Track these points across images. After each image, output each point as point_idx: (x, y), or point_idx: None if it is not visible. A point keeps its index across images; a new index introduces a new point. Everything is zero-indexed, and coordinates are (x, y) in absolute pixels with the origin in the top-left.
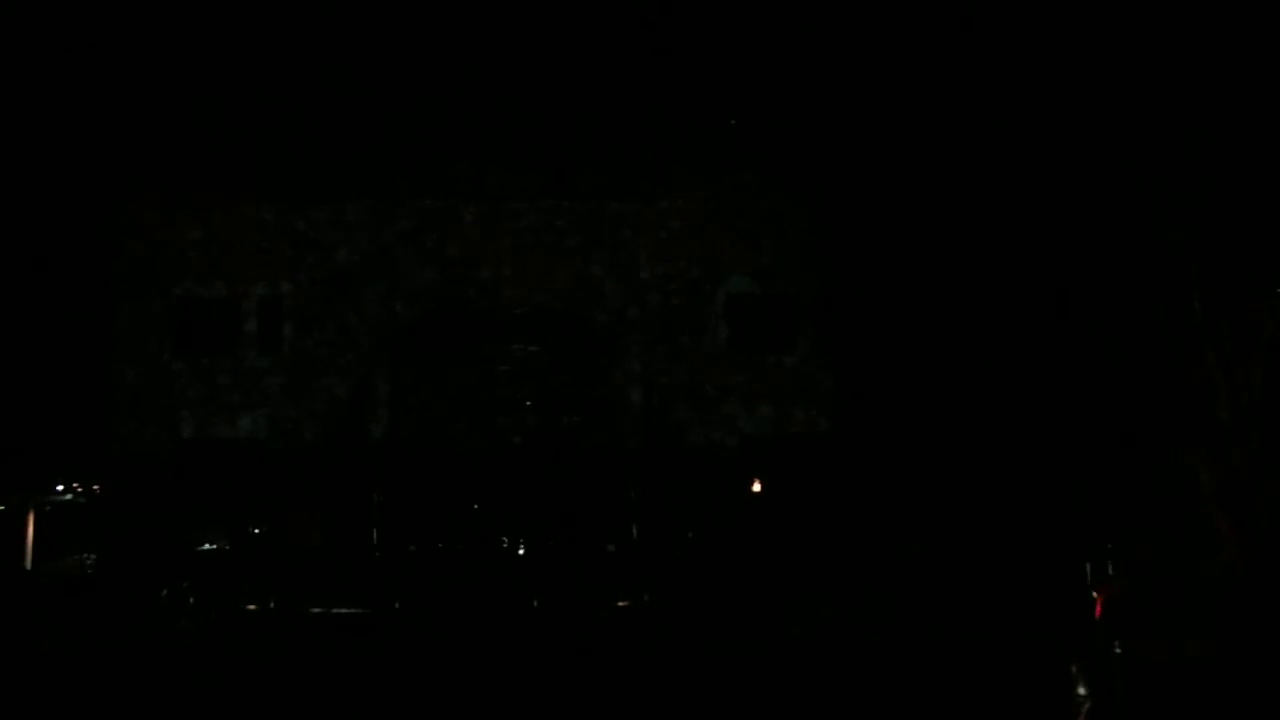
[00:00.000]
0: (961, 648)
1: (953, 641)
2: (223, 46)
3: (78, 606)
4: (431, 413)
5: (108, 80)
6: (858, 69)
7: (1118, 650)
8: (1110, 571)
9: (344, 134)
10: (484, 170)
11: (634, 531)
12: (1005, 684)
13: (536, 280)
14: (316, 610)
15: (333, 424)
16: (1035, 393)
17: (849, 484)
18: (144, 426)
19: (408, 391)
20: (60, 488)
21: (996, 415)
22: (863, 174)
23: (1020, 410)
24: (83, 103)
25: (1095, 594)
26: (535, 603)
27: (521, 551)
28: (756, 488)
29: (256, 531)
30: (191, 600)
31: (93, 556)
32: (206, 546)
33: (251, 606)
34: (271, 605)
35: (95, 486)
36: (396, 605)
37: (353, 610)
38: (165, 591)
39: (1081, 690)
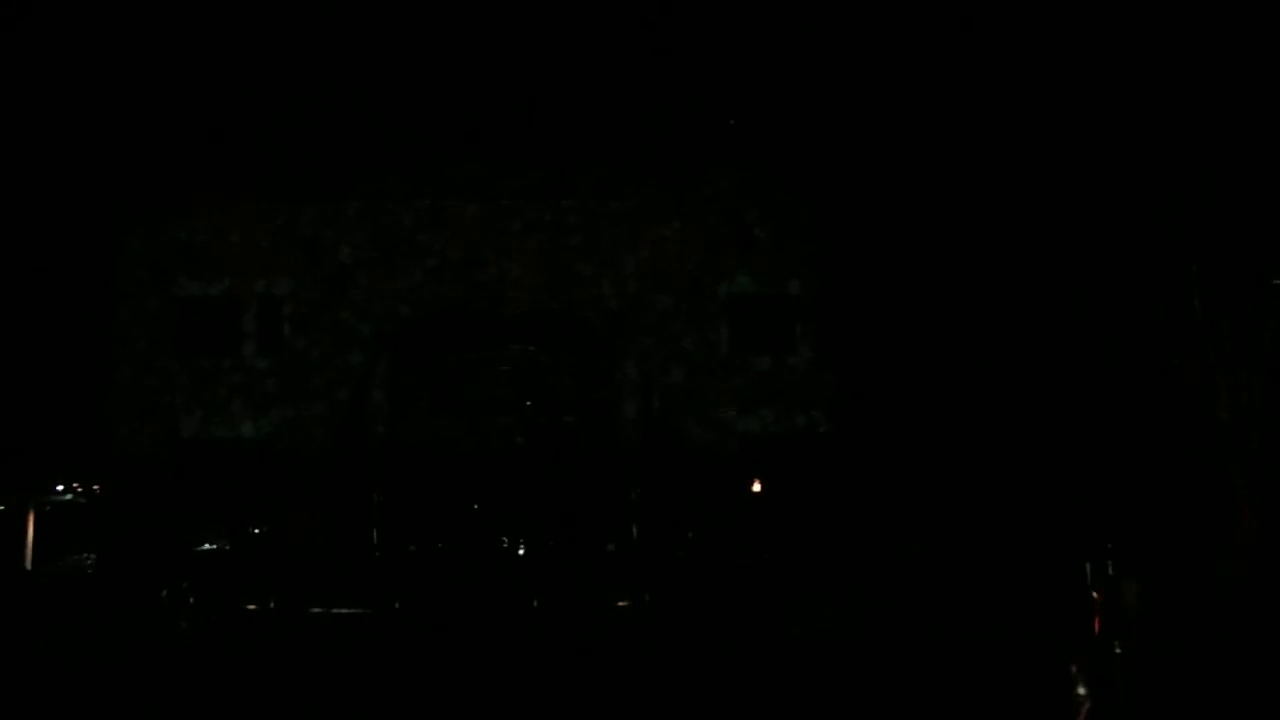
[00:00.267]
0: (961, 648)
1: (953, 641)
2: (223, 46)
3: (78, 606)
4: (431, 413)
5: (108, 80)
6: (859, 68)
7: (1118, 650)
8: (1110, 571)
9: (344, 134)
10: (484, 170)
11: (634, 531)
12: (1005, 684)
13: (536, 280)
14: (316, 610)
15: (333, 424)
16: (1035, 392)
17: (849, 484)
18: (144, 426)
19: (408, 391)
20: (60, 488)
21: (996, 415)
22: (863, 173)
23: (1020, 410)
24: (83, 103)
25: (1095, 594)
26: (535, 603)
27: (521, 551)
28: (756, 488)
29: (256, 531)
30: (191, 600)
31: (93, 556)
32: (206, 546)
33: (251, 606)
34: (271, 605)
35: (95, 486)
36: (396, 605)
37: (353, 610)
38: (165, 591)
39: (1081, 690)
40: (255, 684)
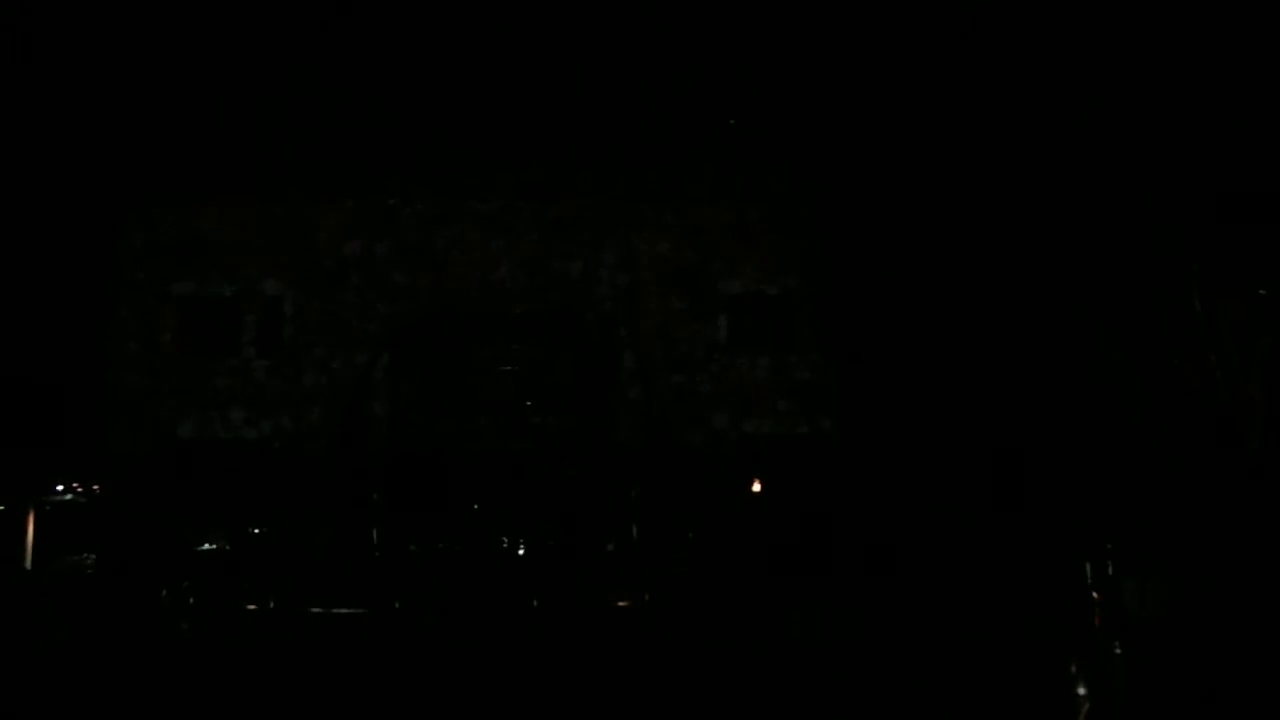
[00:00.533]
0: (961, 648)
1: (953, 641)
2: (223, 46)
3: (78, 606)
4: (431, 413)
5: (108, 79)
6: (860, 67)
7: (1118, 650)
8: (1110, 571)
9: (345, 133)
10: (484, 170)
11: (634, 531)
12: (1005, 684)
13: (536, 280)
14: (316, 610)
15: (332, 423)
16: (1036, 392)
17: (849, 484)
18: (144, 426)
19: (407, 391)
20: (60, 488)
21: (997, 415)
22: (865, 171)
23: (1021, 410)
24: (83, 102)
25: (1095, 594)
26: (535, 603)
27: (521, 551)
28: (756, 488)
29: (256, 531)
30: (191, 600)
31: (93, 556)
32: (206, 546)
33: (251, 606)
34: (271, 605)
35: (95, 486)
36: (396, 605)
37: (353, 610)
38: (165, 591)
39: (1081, 690)
40: (255, 684)
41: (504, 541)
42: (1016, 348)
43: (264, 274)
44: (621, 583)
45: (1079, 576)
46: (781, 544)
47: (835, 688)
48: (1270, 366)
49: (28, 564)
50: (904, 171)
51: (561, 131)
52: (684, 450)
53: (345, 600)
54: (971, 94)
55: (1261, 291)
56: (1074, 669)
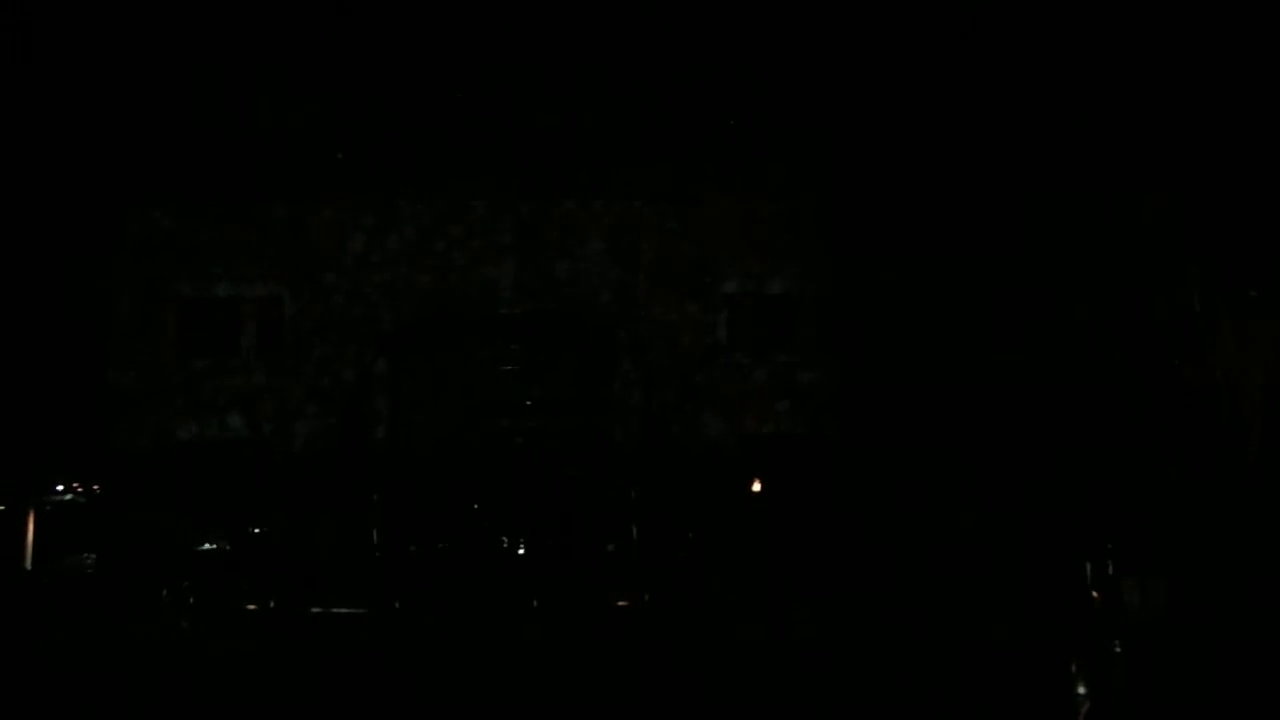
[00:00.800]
0: (962, 648)
1: (953, 641)
2: (223, 45)
3: (78, 606)
4: (432, 413)
5: (108, 79)
6: (860, 67)
7: (1118, 650)
8: (1110, 571)
9: (345, 134)
10: (484, 170)
11: (634, 531)
12: (1005, 684)
13: (536, 280)
14: (316, 610)
15: (332, 423)
16: (1036, 392)
17: (849, 483)
18: (144, 426)
19: (407, 391)
20: (60, 488)
21: (997, 415)
22: (865, 171)
23: (1021, 409)
24: (83, 103)
25: (1095, 594)
26: (535, 603)
27: (521, 551)
28: (756, 488)
29: (256, 531)
30: (191, 600)
31: (93, 556)
32: (206, 546)
33: (251, 606)
34: (271, 605)
35: (95, 486)
36: (396, 605)
37: (353, 610)
38: (165, 591)
39: (1081, 690)
40: (255, 684)
41: (504, 541)
42: (1017, 347)
43: (264, 274)
44: (621, 583)
45: (1079, 576)
46: (781, 544)
47: (835, 687)
48: (1270, 367)
49: (28, 564)
50: (905, 171)
51: (561, 131)
52: (684, 450)
53: (345, 600)
54: (973, 92)
55: (1253, 293)
56: (1074, 669)
